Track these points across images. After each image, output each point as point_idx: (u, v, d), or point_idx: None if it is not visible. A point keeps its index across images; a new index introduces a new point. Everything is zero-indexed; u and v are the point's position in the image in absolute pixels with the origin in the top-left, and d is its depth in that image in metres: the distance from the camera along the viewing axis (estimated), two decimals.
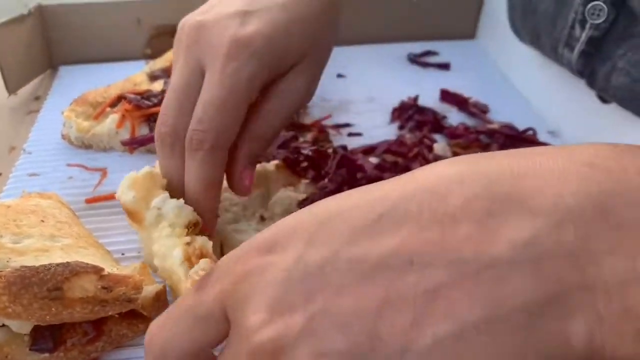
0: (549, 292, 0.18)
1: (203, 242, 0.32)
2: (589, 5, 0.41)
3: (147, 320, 0.33)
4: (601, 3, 0.41)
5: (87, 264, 0.31)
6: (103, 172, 0.47)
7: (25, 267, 0.30)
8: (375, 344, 0.19)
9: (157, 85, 0.53)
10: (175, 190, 0.35)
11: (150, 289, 0.33)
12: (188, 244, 0.33)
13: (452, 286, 0.19)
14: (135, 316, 0.33)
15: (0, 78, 0.56)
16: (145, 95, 0.50)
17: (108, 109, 0.50)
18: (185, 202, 0.34)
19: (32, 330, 0.31)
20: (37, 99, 0.58)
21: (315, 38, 0.37)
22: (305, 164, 0.43)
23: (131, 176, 0.35)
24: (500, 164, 0.20)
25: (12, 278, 0.29)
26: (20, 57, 0.58)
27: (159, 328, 0.23)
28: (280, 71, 0.36)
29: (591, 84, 0.45)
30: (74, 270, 0.30)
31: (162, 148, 0.35)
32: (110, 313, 0.31)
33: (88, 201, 0.44)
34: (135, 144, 0.48)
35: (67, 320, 0.30)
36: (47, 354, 0.31)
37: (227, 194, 0.42)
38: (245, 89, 0.33)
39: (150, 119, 0.49)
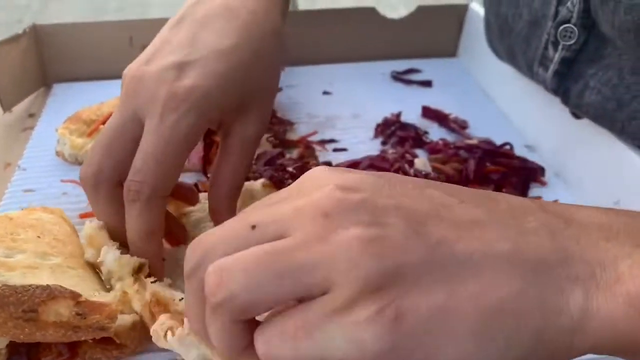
0: (559, 255, 0.23)
1: (155, 288, 0.33)
2: (561, 28, 0.44)
3: (121, 347, 0.34)
4: (572, 26, 0.43)
5: (66, 289, 0.32)
6: None
7: (6, 286, 0.31)
8: (421, 231, 0.23)
9: None
10: (110, 231, 0.36)
11: (127, 318, 0.34)
12: (138, 291, 0.34)
13: (488, 224, 0.24)
14: (111, 342, 0.33)
15: None
16: None
17: (101, 127, 0.52)
18: (130, 250, 0.36)
19: (9, 345, 0.32)
20: (32, 116, 0.60)
21: (259, 81, 0.38)
22: (290, 181, 0.45)
23: (85, 233, 0.37)
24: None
25: None
26: (15, 76, 0.60)
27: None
28: (225, 117, 0.37)
29: (565, 101, 0.47)
30: (52, 294, 0.31)
31: (86, 188, 0.36)
32: (83, 338, 0.32)
33: (82, 216, 0.45)
34: None
35: (41, 341, 0.31)
36: None
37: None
38: (184, 141, 0.35)
39: None
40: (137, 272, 0.35)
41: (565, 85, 0.46)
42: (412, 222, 0.23)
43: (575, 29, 0.43)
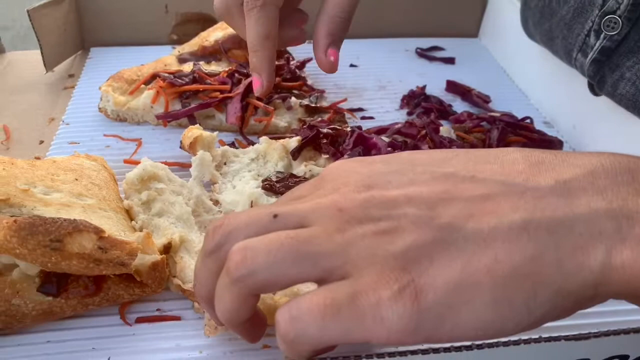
0: (579, 214, 0.23)
1: (178, 282, 0.36)
2: (606, 18, 0.45)
3: (142, 285, 0.35)
4: (617, 17, 0.44)
5: (91, 224, 0.33)
6: (138, 142, 0.51)
7: (37, 217, 0.33)
8: (432, 215, 0.24)
9: (187, 67, 0.57)
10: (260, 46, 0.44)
11: (148, 258, 0.35)
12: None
13: (501, 196, 0.24)
14: (134, 280, 0.35)
15: (39, 56, 0.61)
16: (177, 74, 0.54)
17: (142, 86, 0.54)
18: (250, 60, 0.44)
19: (42, 275, 0.34)
20: (71, 76, 0.63)
21: None
22: (324, 141, 0.48)
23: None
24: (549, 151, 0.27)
25: (23, 224, 0.32)
26: (57, 38, 0.62)
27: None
28: None
29: (600, 88, 0.48)
30: (77, 227, 0.33)
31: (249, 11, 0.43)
32: (104, 272, 0.33)
33: (126, 162, 0.48)
34: (169, 118, 0.52)
35: (66, 271, 0.33)
36: (50, 298, 0.34)
37: (252, 164, 0.46)
38: None
39: (182, 96, 0.53)
40: (165, 251, 0.38)
41: (601, 73, 0.47)
42: (422, 209, 0.24)
43: (620, 20, 0.44)
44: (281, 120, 0.53)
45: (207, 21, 0.67)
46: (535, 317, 0.23)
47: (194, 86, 0.53)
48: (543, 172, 0.25)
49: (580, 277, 0.23)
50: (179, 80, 0.53)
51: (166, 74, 0.54)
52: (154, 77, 0.55)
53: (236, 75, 0.55)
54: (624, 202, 0.23)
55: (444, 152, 0.28)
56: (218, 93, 0.53)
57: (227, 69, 0.56)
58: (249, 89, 0.53)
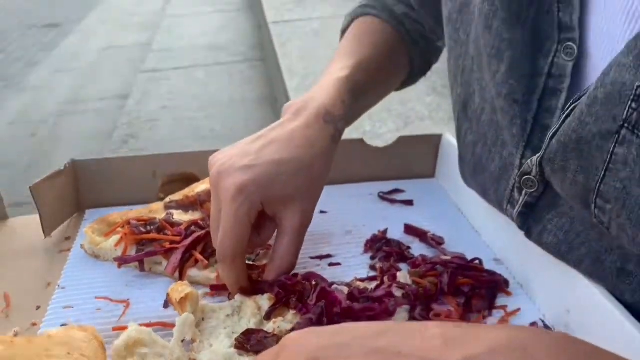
0: None
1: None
2: (524, 177, 0.51)
3: None
4: (533, 177, 0.50)
5: None
6: (126, 303, 0.57)
7: None
8: None
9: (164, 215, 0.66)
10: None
11: None
12: None
13: None
14: None
15: (37, 221, 0.67)
16: (148, 222, 0.63)
17: (119, 229, 0.63)
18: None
19: None
20: (67, 239, 0.69)
21: (300, 186, 0.56)
22: (293, 298, 0.53)
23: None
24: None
25: None
26: (56, 205, 0.70)
27: None
28: (273, 207, 0.55)
29: (529, 237, 0.55)
30: None
31: (225, 261, 0.54)
32: None
33: (115, 329, 0.53)
34: (122, 262, 0.62)
35: None
36: None
37: (228, 321, 0.51)
38: (244, 219, 0.53)
39: (140, 243, 0.62)
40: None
41: (528, 224, 0.54)
42: None
43: (536, 180, 0.50)
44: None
45: (191, 180, 0.75)
46: None
47: (150, 235, 0.62)
48: (455, 348, 0.30)
49: None
50: (141, 229, 0.62)
51: (134, 222, 0.63)
52: (128, 223, 0.63)
53: (192, 227, 0.62)
54: None
55: (379, 325, 0.34)
56: (168, 243, 0.61)
57: (189, 221, 0.64)
58: (195, 242, 0.60)
